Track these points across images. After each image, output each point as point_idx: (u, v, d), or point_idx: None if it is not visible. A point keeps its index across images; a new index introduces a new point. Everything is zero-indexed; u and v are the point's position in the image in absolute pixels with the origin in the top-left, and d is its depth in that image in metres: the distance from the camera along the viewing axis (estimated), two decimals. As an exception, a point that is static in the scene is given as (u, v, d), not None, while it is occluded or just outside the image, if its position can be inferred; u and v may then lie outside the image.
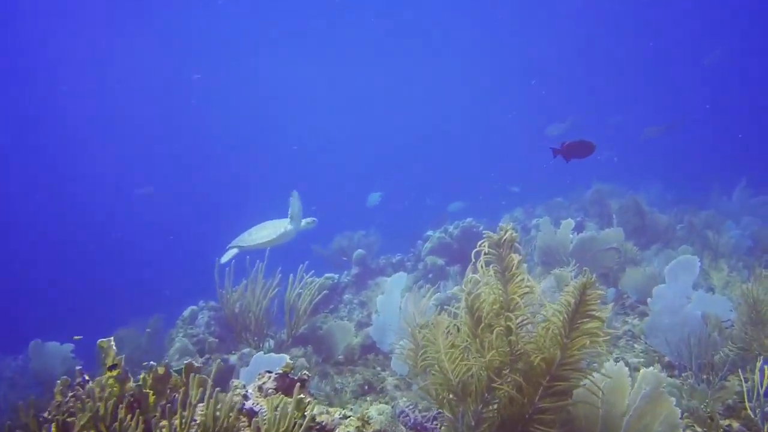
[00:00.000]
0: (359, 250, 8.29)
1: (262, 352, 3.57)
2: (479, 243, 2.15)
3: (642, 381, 2.31)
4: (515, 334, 2.03)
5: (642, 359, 4.26)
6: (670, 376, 3.78)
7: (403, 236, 10.02)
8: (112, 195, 27.07)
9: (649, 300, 4.12)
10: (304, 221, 5.39)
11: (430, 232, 8.51)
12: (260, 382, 2.64)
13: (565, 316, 1.98)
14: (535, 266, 6.06)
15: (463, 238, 7.90)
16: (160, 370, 2.63)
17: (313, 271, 4.75)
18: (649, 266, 5.76)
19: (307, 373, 2.67)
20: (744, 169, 10.03)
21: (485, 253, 2.12)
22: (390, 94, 34.92)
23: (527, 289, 2.10)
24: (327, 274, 8.21)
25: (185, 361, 5.72)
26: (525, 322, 2.15)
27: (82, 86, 27.08)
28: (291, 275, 4.78)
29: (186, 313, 7.07)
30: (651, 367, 2.45)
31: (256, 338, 5.03)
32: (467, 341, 2.14)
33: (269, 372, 2.69)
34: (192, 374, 2.21)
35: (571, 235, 5.96)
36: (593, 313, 1.98)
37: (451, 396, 2.15)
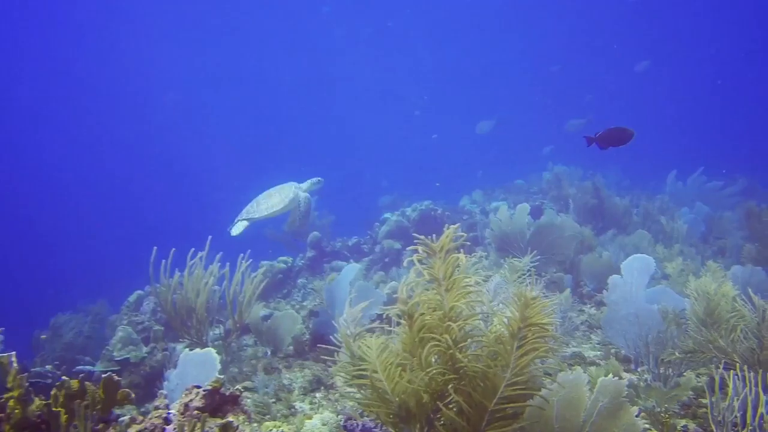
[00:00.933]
0: (314, 233, 8.00)
1: (187, 350, 3.26)
2: (409, 248, 1.90)
3: (600, 392, 2.13)
4: (456, 348, 1.80)
5: (599, 352, 4.17)
6: (626, 371, 3.69)
7: (361, 217, 9.79)
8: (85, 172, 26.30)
9: (604, 291, 4.00)
10: (309, 182, 5.33)
11: (387, 215, 8.28)
12: (186, 400, 2.36)
13: (511, 330, 1.77)
14: (492, 252, 5.91)
15: (420, 221, 7.74)
16: (74, 385, 2.33)
17: (251, 261, 4.38)
18: (606, 252, 5.68)
19: (240, 388, 2.41)
20: (703, 157, 10.19)
21: (421, 261, 1.87)
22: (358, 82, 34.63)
23: (472, 297, 1.88)
24: (281, 257, 7.90)
25: (128, 353, 5.34)
26: (469, 333, 1.93)
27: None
28: (228, 263, 4.41)
29: (132, 298, 6.71)
30: (609, 375, 2.28)
31: (199, 327, 4.69)
32: (406, 356, 1.90)
33: (198, 387, 2.42)
34: (80, 402, 1.90)
35: (528, 219, 5.80)
36: (541, 323, 1.77)
37: (392, 417, 1.93)
